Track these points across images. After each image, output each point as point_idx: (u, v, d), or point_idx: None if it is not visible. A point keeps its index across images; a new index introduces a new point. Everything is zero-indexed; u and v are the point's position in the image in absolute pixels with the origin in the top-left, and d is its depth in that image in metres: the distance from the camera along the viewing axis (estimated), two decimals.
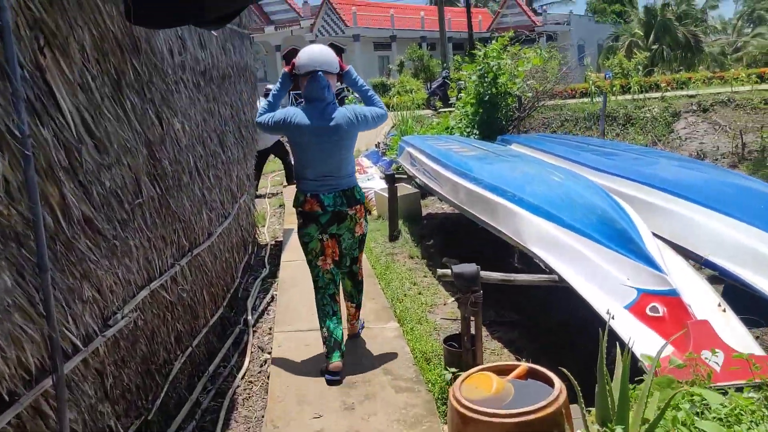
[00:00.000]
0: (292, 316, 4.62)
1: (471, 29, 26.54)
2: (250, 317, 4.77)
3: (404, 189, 7.98)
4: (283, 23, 33.90)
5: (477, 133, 9.18)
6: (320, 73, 3.64)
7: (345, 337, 3.96)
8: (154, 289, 2.98)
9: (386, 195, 7.76)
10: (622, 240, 3.37)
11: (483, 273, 3.42)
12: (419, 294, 5.36)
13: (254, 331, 4.68)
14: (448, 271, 3.45)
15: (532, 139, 7.43)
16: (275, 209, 9.71)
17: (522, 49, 9.56)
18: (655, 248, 3.36)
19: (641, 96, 18.75)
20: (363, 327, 4.32)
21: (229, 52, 5.35)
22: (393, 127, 18.66)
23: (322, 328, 3.78)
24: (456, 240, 6.90)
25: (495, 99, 9.13)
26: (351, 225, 3.82)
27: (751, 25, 41.15)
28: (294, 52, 3.92)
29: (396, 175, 7.28)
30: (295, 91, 5.70)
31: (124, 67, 2.76)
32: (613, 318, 3.11)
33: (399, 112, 14.45)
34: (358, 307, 4.21)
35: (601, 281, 3.28)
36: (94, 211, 2.29)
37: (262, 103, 3.91)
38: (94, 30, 2.50)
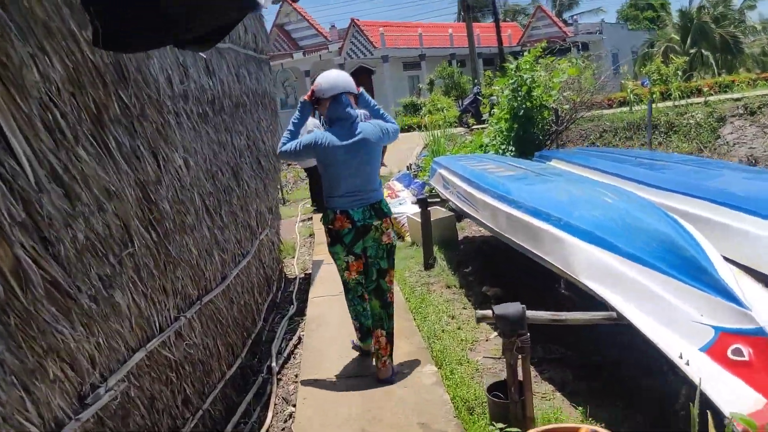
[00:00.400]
0: (319, 362, 4.21)
1: (501, 43, 26.13)
2: (274, 364, 4.37)
3: (438, 213, 7.55)
4: (311, 48, 33.99)
5: (513, 149, 8.71)
6: (343, 95, 3.87)
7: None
8: (152, 349, 2.61)
9: (419, 220, 7.34)
10: (692, 269, 2.88)
11: (529, 313, 2.97)
12: (458, 329, 4.90)
13: (279, 379, 4.28)
14: (489, 312, 3.01)
15: (573, 153, 6.94)
16: (305, 239, 9.37)
17: (555, 60, 9.08)
18: (731, 278, 2.86)
19: (683, 102, 18.03)
20: (396, 373, 3.95)
21: (244, 78, 5.03)
22: (425, 147, 18.25)
23: (354, 319, 4.27)
24: (495, 265, 6.42)
25: (530, 113, 8.66)
26: (376, 235, 3.92)
27: None
28: None
29: (429, 199, 6.86)
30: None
31: (108, 100, 2.42)
32: (687, 363, 2.63)
33: (430, 131, 14.06)
34: (390, 338, 4.04)
35: (668, 318, 2.79)
36: (62, 272, 1.93)
37: (288, 128, 3.99)
38: (66, 60, 2.16)
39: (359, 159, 3.78)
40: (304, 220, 10.76)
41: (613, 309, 2.99)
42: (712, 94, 18.58)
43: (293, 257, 8.36)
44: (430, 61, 32.88)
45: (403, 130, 21.45)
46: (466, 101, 20.10)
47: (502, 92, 9.91)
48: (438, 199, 6.88)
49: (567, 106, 9.05)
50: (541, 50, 9.06)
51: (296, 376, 4.25)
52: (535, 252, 3.93)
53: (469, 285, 6.01)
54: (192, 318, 3.12)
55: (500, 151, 8.81)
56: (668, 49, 30.57)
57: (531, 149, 8.84)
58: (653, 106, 17.47)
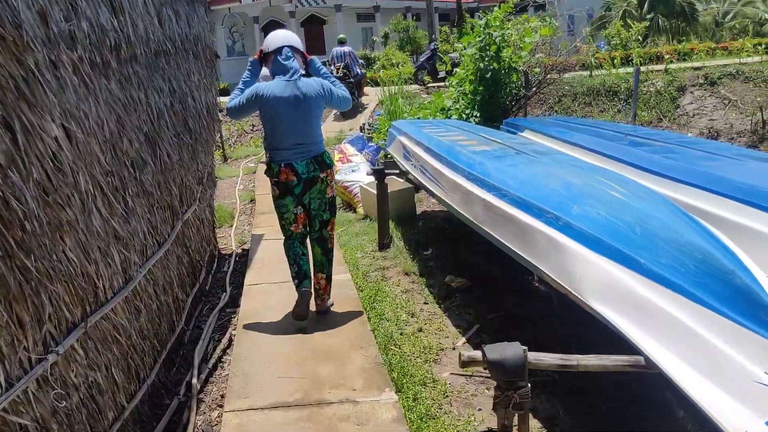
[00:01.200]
0: (251, 383, 3.39)
1: None
2: (195, 380, 3.53)
3: (395, 183, 6.76)
4: None
5: (477, 115, 7.93)
6: (285, 47, 4.02)
7: (313, 280, 4.27)
8: None
9: (374, 192, 6.53)
10: (748, 304, 2.18)
11: (532, 356, 2.23)
12: (419, 331, 4.17)
13: (201, 400, 3.47)
14: (478, 354, 2.25)
15: (547, 124, 6.21)
16: (246, 205, 8.44)
17: (521, 20, 8.27)
18: None
19: (643, 69, 17.55)
20: (332, 305, 4.41)
21: (168, 20, 4.06)
22: (378, 104, 17.29)
23: (292, 266, 4.21)
24: (458, 248, 5.71)
25: (498, 75, 7.86)
26: (322, 187, 4.11)
27: None
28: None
29: (386, 169, 6.05)
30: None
31: None
32: None
33: (385, 88, 13.14)
34: (329, 280, 4.36)
35: (719, 373, 2.09)
36: None
37: (238, 86, 4.06)
38: None
39: (301, 112, 3.93)
40: (246, 184, 9.80)
41: (640, 352, 2.27)
42: (672, 62, 18.13)
43: (231, 226, 7.46)
44: (385, 13, 31.57)
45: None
46: (423, 58, 19.13)
47: (466, 50, 9.08)
48: (396, 171, 6.07)
49: (537, 69, 8.29)
50: (512, 6, 8.23)
51: (222, 397, 3.44)
52: (521, 254, 3.18)
53: (431, 272, 5.27)
54: (71, 350, 2.26)
55: (464, 116, 8.02)
56: (626, 13, 30.10)
57: (497, 115, 8.09)
58: (613, 71, 16.95)
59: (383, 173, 5.96)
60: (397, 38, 26.49)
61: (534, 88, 8.32)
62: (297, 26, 31.78)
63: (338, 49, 16.06)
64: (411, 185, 6.73)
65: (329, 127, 14.58)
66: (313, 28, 32.68)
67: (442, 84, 18.78)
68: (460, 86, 9.09)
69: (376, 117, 12.50)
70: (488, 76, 7.84)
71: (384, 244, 5.93)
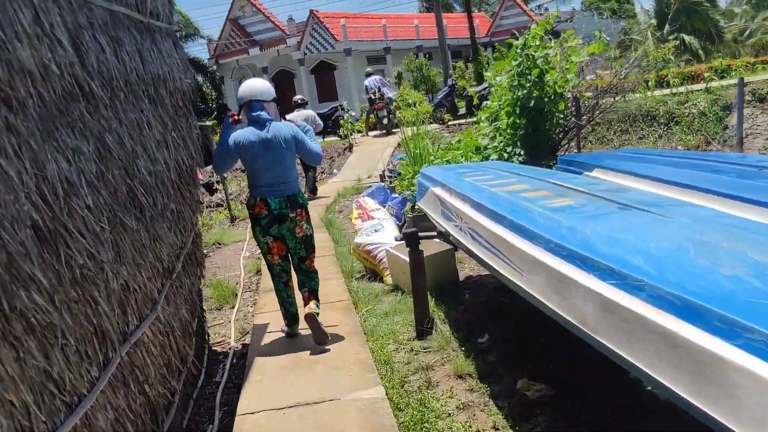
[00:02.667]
0: None
1: (473, 32, 24.14)
2: None
3: (430, 244, 5.36)
4: (269, 43, 31.48)
5: (521, 153, 6.57)
6: (253, 101, 4.43)
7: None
8: None
9: (404, 258, 5.17)
10: None
11: None
12: None
13: None
14: None
15: (620, 158, 4.81)
16: (251, 277, 7.09)
17: (565, 38, 6.96)
18: None
19: (682, 89, 16.16)
20: (318, 314, 4.48)
21: (97, 51, 2.77)
22: (397, 147, 16.04)
23: (281, 306, 4.68)
24: (524, 330, 4.28)
25: (541, 104, 6.53)
26: (291, 226, 4.46)
27: (753, 9, 38.42)
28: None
29: (419, 232, 4.67)
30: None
31: None
32: None
33: (404, 128, 11.86)
34: (312, 291, 4.60)
35: None
36: None
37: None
38: None
39: (272, 154, 4.33)
40: (253, 249, 8.46)
41: None
42: (713, 80, 16.72)
43: (233, 307, 6.10)
44: (396, 54, 30.65)
45: (373, 127, 19.19)
46: (440, 95, 17.94)
47: (497, 79, 7.80)
48: (433, 233, 4.70)
49: (589, 94, 6.94)
50: (552, 24, 6.95)
51: None
52: (700, 407, 1.76)
53: (493, 372, 3.84)
54: None
55: (504, 155, 6.66)
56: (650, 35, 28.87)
57: (544, 151, 6.72)
58: (649, 94, 15.50)
59: (416, 238, 4.59)
60: (410, 78, 25.42)
61: (586, 116, 6.96)
62: (307, 74, 31.00)
63: (369, 80, 18.18)
64: (450, 247, 5.33)
65: (346, 173, 13.32)
66: (324, 75, 31.85)
67: (463, 121, 17.52)
68: (494, 120, 7.77)
69: (397, 162, 11.21)
70: (531, 105, 6.49)
71: (423, 329, 4.53)
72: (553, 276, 2.58)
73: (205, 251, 8.66)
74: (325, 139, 18.01)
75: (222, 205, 17.49)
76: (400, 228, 7.02)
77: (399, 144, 15.67)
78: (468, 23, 24.93)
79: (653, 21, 31.14)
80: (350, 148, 16.52)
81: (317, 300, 4.55)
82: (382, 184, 8.92)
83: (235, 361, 4.64)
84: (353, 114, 18.63)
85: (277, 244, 4.46)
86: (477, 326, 4.54)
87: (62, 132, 2.32)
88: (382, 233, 6.24)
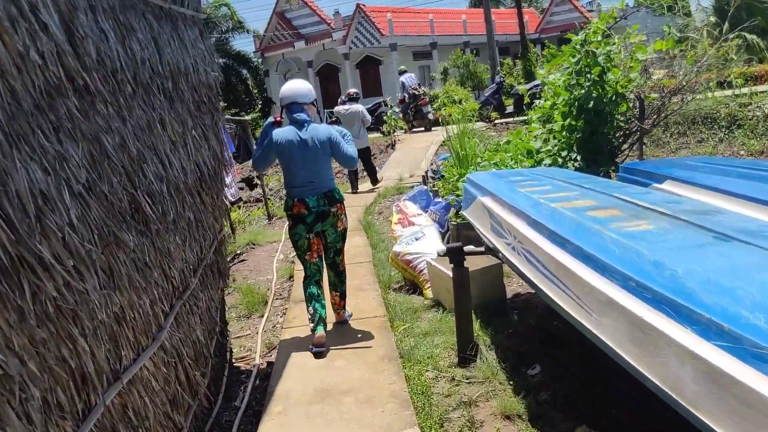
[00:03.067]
0: None
1: (522, 28, 23.38)
2: None
3: (476, 258, 4.87)
4: (314, 37, 31.22)
5: (577, 158, 6.01)
6: (293, 104, 4.56)
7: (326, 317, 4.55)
8: None
9: (446, 272, 4.71)
10: None
11: None
12: None
13: None
14: None
15: (697, 169, 4.23)
16: (283, 283, 6.70)
17: (635, 29, 6.36)
18: None
19: (745, 90, 15.21)
20: (351, 316, 4.94)
21: (99, 37, 2.38)
22: (441, 146, 15.51)
23: (308, 307, 4.56)
24: (582, 363, 3.76)
25: (601, 105, 5.95)
26: (334, 221, 4.58)
27: None
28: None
29: (464, 247, 4.19)
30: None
31: None
32: None
33: (448, 127, 11.33)
34: (343, 297, 4.84)
35: None
36: None
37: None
38: None
39: (309, 154, 4.45)
40: (288, 252, 8.08)
41: None
42: None
43: (262, 316, 5.72)
44: (442, 50, 30.06)
45: (416, 125, 18.67)
46: (487, 92, 17.33)
47: (551, 77, 7.24)
48: (480, 249, 4.21)
49: (654, 95, 6.32)
50: (615, 16, 6.36)
51: None
52: None
53: (546, 414, 3.34)
54: None
55: (559, 159, 6.10)
56: (707, 33, 27.63)
57: (603, 157, 6.14)
58: (709, 95, 14.62)
59: (461, 253, 4.10)
60: (456, 74, 24.82)
61: (652, 119, 6.33)
62: (352, 69, 30.65)
63: (406, 77, 18.40)
64: (498, 261, 4.83)
65: (388, 172, 12.86)
66: (369, 70, 31.45)
67: (510, 120, 16.89)
68: (547, 121, 7.21)
69: (440, 162, 10.70)
70: (590, 106, 5.92)
71: (467, 357, 4.05)
72: (633, 323, 2.08)
73: (238, 252, 8.34)
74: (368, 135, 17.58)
75: (261, 201, 17.29)
76: (443, 236, 6.53)
77: (443, 143, 15.16)
78: (518, 19, 24.18)
79: (711, 18, 29.82)
80: (393, 145, 16.06)
81: (345, 304, 4.87)
82: (425, 187, 8.43)
83: (258, 382, 4.24)
84: (397, 110, 18.12)
85: (317, 241, 4.60)
86: (527, 355, 4.04)
87: (40, 134, 1.92)
88: (423, 242, 5.77)
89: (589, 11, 36.01)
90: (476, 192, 4.35)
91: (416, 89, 17.78)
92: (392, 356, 4.15)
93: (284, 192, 5.01)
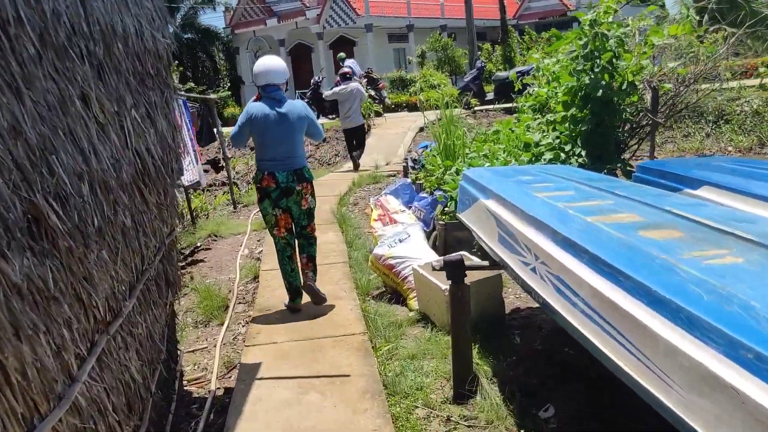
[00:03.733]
0: None
1: (504, 12, 22.72)
2: None
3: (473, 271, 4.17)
4: (287, 15, 30.13)
5: (582, 153, 5.36)
6: (269, 86, 4.67)
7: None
8: None
9: (436, 282, 4.05)
10: None
11: None
12: None
13: None
14: None
15: (748, 175, 3.59)
16: (247, 284, 5.95)
17: (651, 11, 5.73)
18: None
19: (733, 84, 14.78)
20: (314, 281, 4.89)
21: None
22: (420, 131, 14.79)
23: (285, 279, 4.87)
24: (602, 400, 3.13)
25: (610, 94, 5.31)
26: (297, 199, 4.70)
27: None
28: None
29: (454, 243, 3.51)
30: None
31: None
32: None
33: (427, 113, 10.62)
34: (311, 260, 4.89)
35: None
36: None
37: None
38: None
39: (282, 129, 4.58)
40: (253, 247, 7.32)
41: None
42: None
43: (221, 324, 4.98)
44: (419, 33, 29.23)
45: (390, 110, 17.94)
46: (467, 78, 16.64)
47: (546, 62, 6.61)
48: (485, 263, 3.54)
49: (669, 85, 5.69)
50: None
51: None
52: None
53: None
54: None
55: (561, 154, 5.45)
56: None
57: (610, 153, 5.51)
58: (732, 84, 14.06)
59: (462, 268, 3.42)
60: (434, 58, 24.08)
61: (668, 113, 5.71)
62: (325, 49, 29.68)
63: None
64: (498, 272, 4.17)
65: (363, 158, 12.11)
66: (343, 50, 30.52)
67: (491, 107, 16.24)
68: (540, 110, 6.58)
69: (421, 150, 10.01)
70: (598, 95, 5.26)
71: (464, 391, 3.38)
72: (758, 419, 1.41)
73: (198, 245, 7.54)
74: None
75: (226, 185, 16.45)
76: (428, 235, 5.85)
77: (422, 128, 14.44)
78: (499, 3, 23.46)
79: (691, 12, 29.57)
80: (368, 130, 15.28)
81: (314, 266, 4.89)
82: (408, 180, 7.73)
83: (212, 417, 3.51)
84: (372, 92, 17.26)
85: (284, 216, 4.71)
86: (537, 389, 3.39)
87: None
88: (407, 244, 5.08)
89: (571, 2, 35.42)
90: (477, 192, 3.68)
91: (369, 73, 17.69)
92: (375, 389, 3.45)
93: (253, 174, 5.17)
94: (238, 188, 15.06)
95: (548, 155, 5.43)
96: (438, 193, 6.03)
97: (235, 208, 9.86)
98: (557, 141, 5.48)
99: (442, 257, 3.57)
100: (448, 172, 6.27)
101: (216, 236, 7.84)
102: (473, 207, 3.73)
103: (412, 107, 19.97)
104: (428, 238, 5.73)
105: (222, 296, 5.49)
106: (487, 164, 5.84)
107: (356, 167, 11.76)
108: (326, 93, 12.72)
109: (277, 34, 30.63)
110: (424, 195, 6.43)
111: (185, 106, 7.43)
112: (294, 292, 4.82)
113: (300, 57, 30.92)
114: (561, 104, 5.75)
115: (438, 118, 8.53)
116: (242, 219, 8.88)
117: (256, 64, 4.74)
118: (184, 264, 6.53)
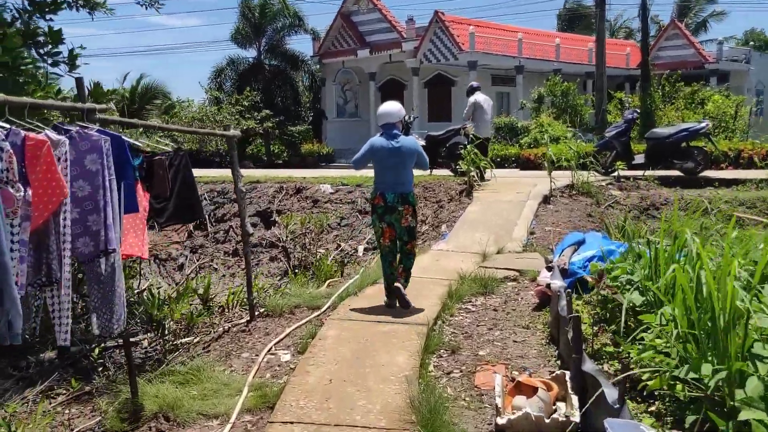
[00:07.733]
0: None
1: (647, 52, 18.31)
2: None
3: None
4: (382, 46, 26.71)
5: None
6: (387, 124, 5.75)
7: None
8: None
9: None
10: None
11: None
12: None
13: None
14: None
15: None
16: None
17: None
18: None
19: None
20: (405, 287, 5.71)
21: None
22: (541, 204, 10.59)
23: (385, 280, 5.74)
24: None
25: None
26: (398, 217, 5.61)
27: None
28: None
29: None
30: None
31: None
32: None
33: (555, 173, 6.43)
34: (405, 270, 5.78)
35: None
36: None
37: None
38: None
39: (395, 159, 5.60)
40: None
41: None
42: None
43: None
44: (528, 77, 25.10)
45: (497, 164, 13.83)
46: (611, 131, 12.23)
47: None
48: None
49: None
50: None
51: None
52: None
53: None
54: None
55: None
56: None
57: None
58: None
59: None
60: (549, 104, 19.89)
61: None
62: (420, 87, 26.03)
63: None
64: None
65: (461, 238, 7.99)
66: (439, 90, 26.79)
67: (638, 173, 11.90)
68: None
69: (569, 250, 5.87)
70: None
71: None
72: None
73: None
74: (434, 172, 12.35)
75: (277, 246, 12.76)
76: None
77: (547, 198, 10.28)
78: (642, 44, 19.14)
79: None
80: (469, 192, 11.15)
81: (408, 276, 5.82)
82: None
83: None
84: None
85: (389, 230, 5.66)
86: None
87: None
88: None
89: (708, 51, 30.49)
90: None
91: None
92: None
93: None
94: (289, 257, 11.28)
95: None
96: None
97: (252, 318, 5.89)
98: None
99: None
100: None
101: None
102: None
103: (524, 164, 15.83)
104: None
105: None
106: None
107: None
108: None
109: (368, 67, 27.25)
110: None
111: (121, 147, 3.50)
112: (391, 290, 5.64)
113: (390, 94, 27.24)
114: None
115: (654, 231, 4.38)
116: (249, 355, 4.92)
117: (379, 107, 5.92)
118: None
